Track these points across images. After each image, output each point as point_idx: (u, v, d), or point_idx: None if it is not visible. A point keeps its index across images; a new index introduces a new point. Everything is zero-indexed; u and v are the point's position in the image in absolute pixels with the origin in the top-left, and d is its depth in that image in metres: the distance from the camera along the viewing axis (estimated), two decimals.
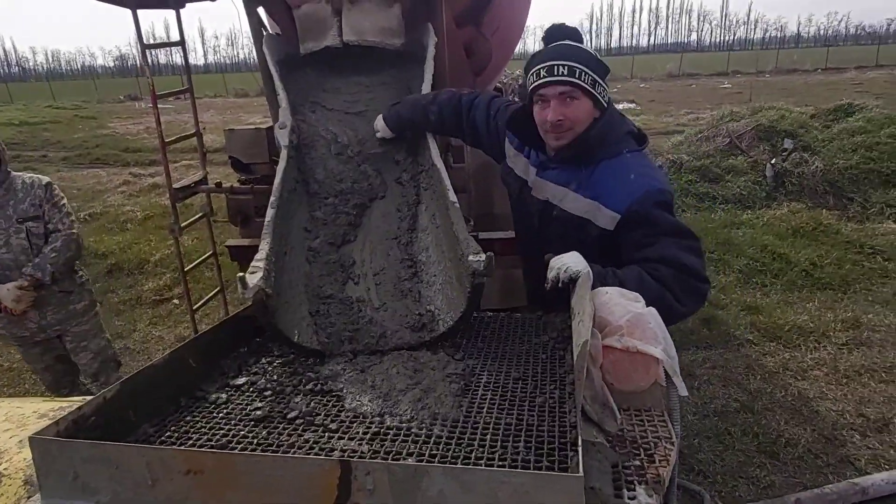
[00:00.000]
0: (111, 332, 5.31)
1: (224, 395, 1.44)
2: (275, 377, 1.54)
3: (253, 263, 1.57)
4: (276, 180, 1.95)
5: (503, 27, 3.79)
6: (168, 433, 1.29)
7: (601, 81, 1.76)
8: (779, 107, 9.69)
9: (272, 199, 1.86)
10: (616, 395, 1.26)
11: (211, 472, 0.97)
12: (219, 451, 0.96)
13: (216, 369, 1.57)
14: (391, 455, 1.17)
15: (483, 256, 1.57)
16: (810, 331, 4.65)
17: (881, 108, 9.26)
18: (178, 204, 4.41)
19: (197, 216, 4.68)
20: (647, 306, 1.34)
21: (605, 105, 1.79)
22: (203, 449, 0.99)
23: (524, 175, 2.01)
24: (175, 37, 4.14)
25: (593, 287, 1.46)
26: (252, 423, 1.32)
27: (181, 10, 3.97)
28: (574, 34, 1.80)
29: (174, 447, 0.95)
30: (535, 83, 1.77)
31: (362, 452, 1.19)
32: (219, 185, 4.31)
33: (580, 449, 0.93)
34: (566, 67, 1.71)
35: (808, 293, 5.35)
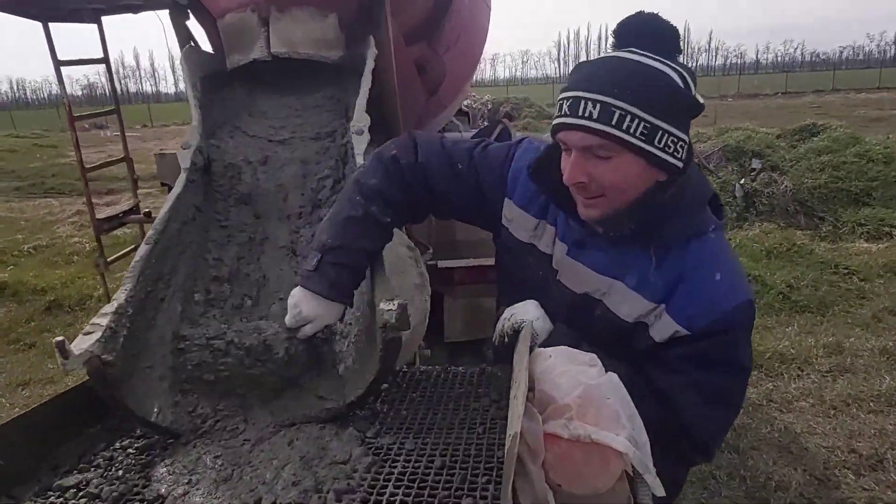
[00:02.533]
0: (41, 376, 4.83)
1: None
2: (120, 472, 1.15)
3: (93, 321, 1.19)
4: (163, 211, 1.58)
5: (459, 45, 3.52)
6: None
7: (670, 129, 1.08)
8: (745, 127, 9.66)
9: (150, 233, 1.49)
10: (565, 500, 0.90)
11: None
12: None
13: (44, 462, 1.18)
14: None
15: (395, 304, 1.21)
16: (792, 357, 4.42)
17: (845, 127, 9.30)
18: (105, 236, 4.01)
19: (127, 249, 4.26)
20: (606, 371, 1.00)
21: (681, 164, 1.12)
22: None
23: (546, 249, 1.34)
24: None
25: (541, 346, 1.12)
26: None
27: (103, 24, 3.61)
28: (652, 36, 1.09)
29: None
30: (554, 120, 1.16)
31: None
32: (148, 214, 3.91)
33: None
34: (599, 106, 1.05)
35: (786, 317, 5.15)
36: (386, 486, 1.09)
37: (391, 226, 1.35)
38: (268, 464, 1.14)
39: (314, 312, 1.28)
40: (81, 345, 1.10)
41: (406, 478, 1.11)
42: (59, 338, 1.05)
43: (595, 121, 1.06)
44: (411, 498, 1.05)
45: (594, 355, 1.03)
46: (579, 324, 1.27)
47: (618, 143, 1.07)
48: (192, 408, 1.30)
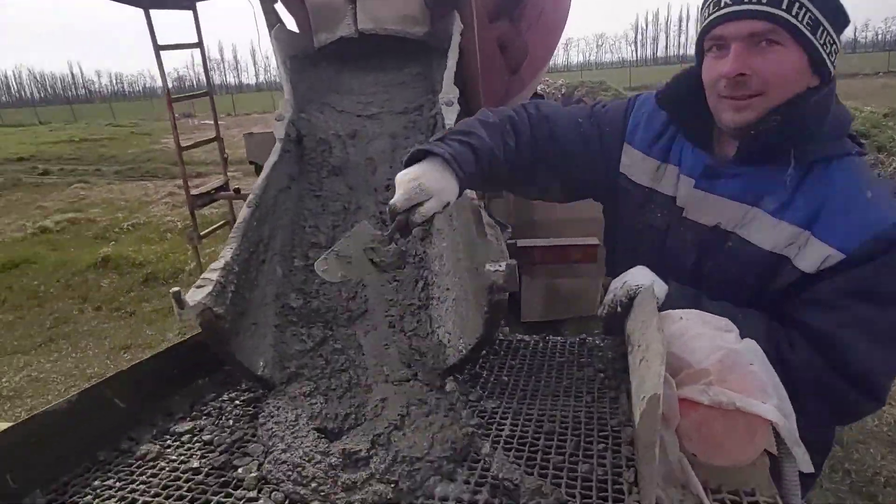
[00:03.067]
0: (140, 342, 5.15)
1: (156, 448, 1.08)
2: (230, 422, 1.17)
3: (203, 276, 1.21)
4: (261, 177, 1.61)
5: (541, 23, 3.41)
6: None
7: (830, 31, 1.06)
8: (847, 106, 8.90)
9: (251, 196, 1.51)
10: (701, 472, 0.83)
11: None
12: None
13: (158, 410, 1.22)
14: None
15: (503, 265, 1.16)
16: None
17: None
18: (199, 211, 4.19)
19: (218, 224, 4.44)
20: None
21: (831, 71, 1.10)
22: None
23: (669, 191, 1.28)
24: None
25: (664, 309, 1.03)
26: (181, 491, 0.95)
27: (197, 9, 3.75)
28: None
29: None
30: (710, 16, 1.09)
31: None
32: (237, 191, 4.05)
33: None
34: None
35: None
36: (495, 448, 1.04)
37: (510, 152, 1.30)
38: (373, 417, 1.12)
39: (437, 185, 1.10)
40: (195, 297, 1.12)
41: (515, 441, 1.06)
42: (176, 288, 1.07)
43: (765, 4, 1.02)
44: (523, 460, 1.00)
45: (728, 320, 0.94)
46: (709, 266, 1.20)
47: (786, 29, 1.03)
48: (297, 365, 1.30)
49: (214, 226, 4.43)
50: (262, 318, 1.34)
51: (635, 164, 1.33)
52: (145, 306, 5.97)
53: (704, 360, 0.83)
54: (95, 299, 6.17)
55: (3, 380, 4.50)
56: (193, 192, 3.94)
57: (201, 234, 4.14)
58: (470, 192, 1.44)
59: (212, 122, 4.28)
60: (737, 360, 0.83)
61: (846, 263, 1.03)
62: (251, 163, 4.20)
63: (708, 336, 0.86)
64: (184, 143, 3.98)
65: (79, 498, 0.95)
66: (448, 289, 1.47)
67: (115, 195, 11.81)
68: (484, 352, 1.40)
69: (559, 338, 1.55)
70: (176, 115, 4.02)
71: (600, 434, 1.07)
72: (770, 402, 0.81)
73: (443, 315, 1.42)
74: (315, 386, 1.25)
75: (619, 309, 1.22)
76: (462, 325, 1.34)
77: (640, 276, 1.22)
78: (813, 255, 1.06)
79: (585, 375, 1.31)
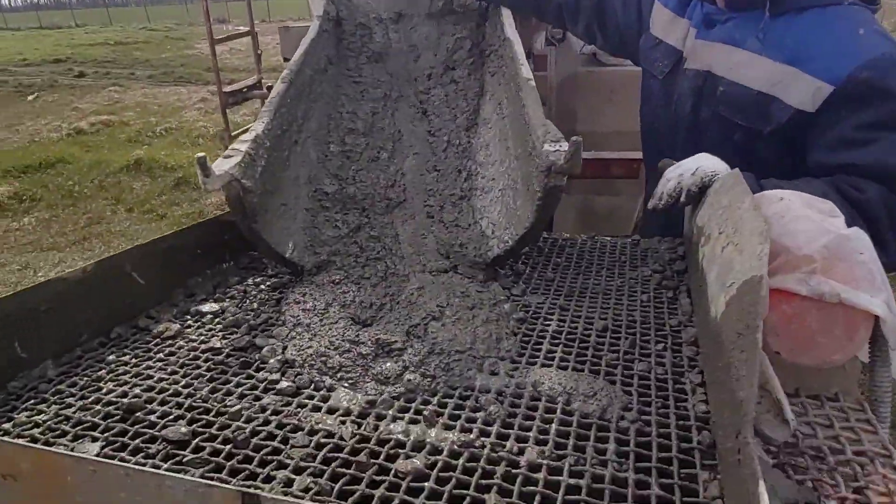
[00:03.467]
0: None
1: (175, 327, 1.01)
2: (255, 305, 1.09)
3: (232, 146, 1.09)
4: (297, 53, 1.46)
5: None
6: (75, 378, 0.87)
7: None
8: None
9: (285, 72, 1.38)
10: (781, 372, 0.71)
11: (29, 480, 0.53)
12: (41, 448, 0.52)
13: (179, 288, 1.14)
14: (385, 450, 0.70)
15: (564, 145, 1.02)
16: None
17: None
18: (231, 118, 4.06)
19: (249, 125, 4.31)
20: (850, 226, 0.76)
21: None
22: (16, 441, 0.55)
23: (679, 45, 1.37)
24: None
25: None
26: (199, 371, 0.89)
27: None
28: None
29: None
30: None
31: (341, 439, 0.72)
32: (270, 89, 3.88)
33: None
34: None
35: None
36: (541, 343, 0.95)
37: None
38: (408, 306, 1.03)
39: None
40: (222, 166, 1.01)
41: (563, 336, 0.96)
42: (201, 154, 0.96)
43: None
44: (572, 356, 0.90)
45: (832, 204, 0.79)
46: (702, 106, 1.29)
47: None
48: (329, 251, 1.21)
49: (246, 127, 4.31)
50: (292, 199, 1.24)
51: (655, 16, 1.45)
52: (176, 210, 6.00)
53: (807, 246, 0.69)
54: (128, 201, 6.22)
55: (39, 274, 4.61)
56: (226, 89, 3.79)
57: (232, 134, 4.03)
58: (525, 72, 1.28)
59: (246, 28, 4.06)
60: (845, 247, 0.69)
61: (841, 95, 1.06)
62: (286, 59, 4.01)
63: (813, 219, 0.72)
64: (217, 38, 3.80)
65: (92, 372, 0.89)
66: (493, 179, 1.34)
67: (149, 99, 11.72)
68: (527, 248, 1.28)
69: (608, 238, 1.42)
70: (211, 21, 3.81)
71: (658, 333, 0.95)
72: (880, 297, 0.68)
73: (487, 206, 1.30)
74: (347, 274, 1.16)
75: (682, 199, 1.08)
76: (509, 215, 1.22)
77: (711, 163, 1.07)
78: (801, 89, 1.10)
79: (640, 275, 1.19)
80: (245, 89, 4.01)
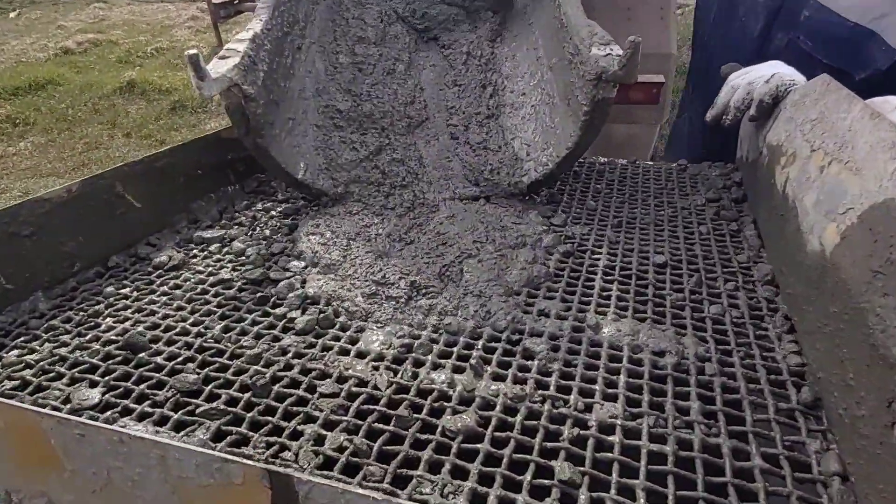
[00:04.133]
0: None
1: (179, 256, 0.90)
2: (266, 233, 0.98)
3: (227, 46, 0.94)
4: None
5: None
6: (69, 313, 0.77)
7: None
8: None
9: None
10: None
11: (7, 437, 0.43)
12: (17, 406, 0.42)
13: (181, 213, 1.02)
14: (428, 403, 0.60)
15: (617, 48, 0.87)
16: None
17: None
18: (222, 24, 3.79)
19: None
20: None
21: None
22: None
23: None
24: None
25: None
26: (209, 306, 0.78)
27: None
28: None
29: None
30: None
31: (375, 388, 0.62)
32: None
33: None
34: None
35: None
36: (592, 279, 0.84)
37: None
38: (436, 236, 0.92)
39: None
40: (219, 68, 0.86)
41: (616, 272, 0.85)
42: (192, 50, 0.81)
43: None
44: (631, 295, 0.79)
45: None
46: (778, 40, 1.07)
47: None
48: (347, 177, 1.08)
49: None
50: (300, 114, 1.10)
51: None
52: (175, 136, 5.78)
53: None
54: (124, 125, 5.99)
55: None
56: (216, 0, 3.52)
57: None
58: None
59: None
60: None
61: None
62: None
63: None
64: None
65: (88, 306, 0.78)
66: (524, 94, 1.19)
67: (136, 17, 11.15)
68: (566, 172, 1.15)
69: (651, 162, 1.29)
70: None
71: (725, 270, 0.84)
72: None
73: (518, 124, 1.15)
74: (367, 204, 1.04)
75: (752, 112, 0.94)
76: (546, 134, 1.08)
77: (789, 71, 0.93)
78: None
79: (692, 205, 1.07)
80: (236, 1, 3.74)
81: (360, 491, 0.35)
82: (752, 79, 0.96)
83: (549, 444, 0.54)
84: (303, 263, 0.87)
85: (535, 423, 0.57)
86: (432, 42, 1.34)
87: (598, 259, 0.89)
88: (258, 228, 1.00)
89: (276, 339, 0.72)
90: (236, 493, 0.36)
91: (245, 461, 0.36)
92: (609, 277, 0.84)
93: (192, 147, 1.04)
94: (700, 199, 1.09)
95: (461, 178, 1.10)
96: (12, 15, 10.93)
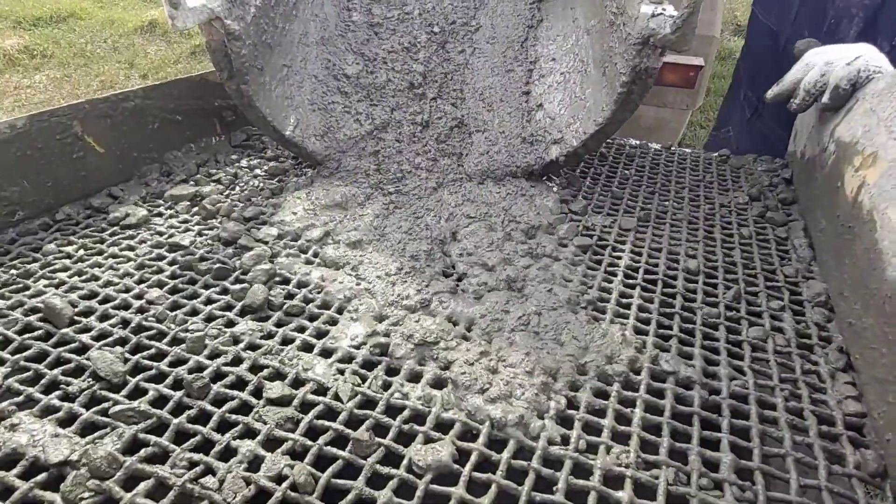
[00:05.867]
0: None
1: (141, 213, 0.78)
2: (245, 193, 0.86)
3: None
4: None
5: None
6: None
7: None
8: None
9: None
10: None
11: None
12: None
13: (155, 165, 0.91)
14: (396, 424, 0.49)
15: (670, 8, 0.73)
16: None
17: None
18: None
19: None
20: None
21: None
22: None
23: None
24: None
25: None
26: (162, 276, 0.67)
27: None
28: None
29: None
30: None
31: (335, 398, 0.51)
32: None
33: None
34: None
35: None
36: (611, 282, 0.71)
37: None
38: (449, 209, 0.80)
39: None
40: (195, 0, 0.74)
41: (639, 277, 0.72)
42: None
43: None
44: (655, 305, 0.66)
45: None
46: (879, 41, 0.88)
47: None
48: (342, 142, 0.95)
49: None
50: (298, 62, 0.96)
51: None
52: None
53: None
54: (142, 66, 5.87)
55: None
56: None
57: None
58: None
59: None
60: None
61: None
62: None
63: None
64: None
65: (21, 264, 0.67)
66: (554, 60, 1.04)
67: None
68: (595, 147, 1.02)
69: (688, 150, 1.15)
70: None
71: (769, 286, 0.71)
72: None
73: (543, 93, 1.01)
74: (359, 179, 0.91)
75: (826, 98, 0.79)
76: (574, 107, 0.94)
77: (876, 57, 0.78)
78: None
79: (733, 202, 0.93)
80: None
81: None
82: (831, 58, 0.81)
83: (539, 497, 0.43)
84: (276, 232, 0.76)
85: (524, 463, 0.46)
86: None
87: (620, 258, 0.76)
88: (238, 188, 0.88)
89: (231, 323, 0.60)
90: None
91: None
92: (630, 281, 0.71)
93: (171, 87, 0.92)
94: (742, 196, 0.95)
95: (474, 155, 0.97)
96: None
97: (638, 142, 1.17)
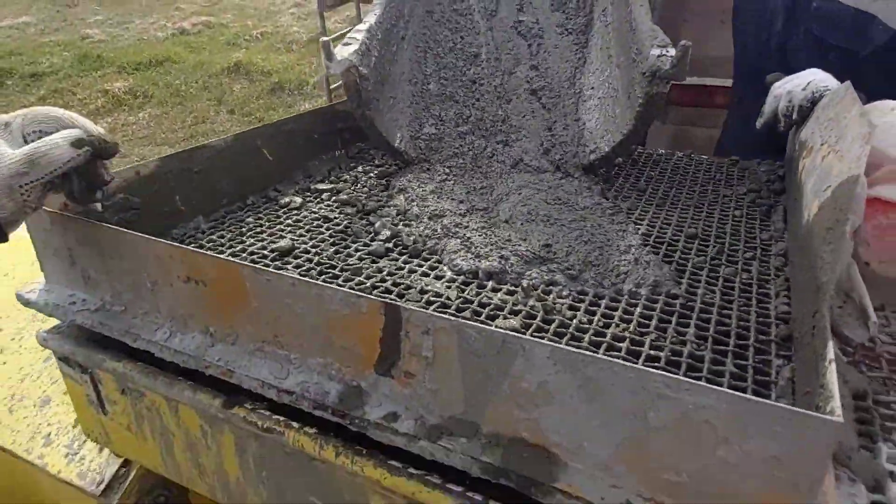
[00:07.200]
0: None
1: (299, 199, 1.14)
2: (366, 189, 1.21)
3: (349, 35, 1.17)
4: None
5: None
6: (221, 232, 1.02)
7: None
8: None
9: None
10: (873, 282, 0.74)
11: (215, 284, 0.66)
12: (226, 259, 0.65)
13: (299, 169, 1.27)
14: (486, 311, 0.80)
15: (672, 51, 1.03)
16: None
17: None
18: (333, 18, 4.11)
19: (346, 30, 4.37)
20: None
21: None
22: (207, 252, 0.68)
23: None
24: None
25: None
26: (322, 236, 1.01)
27: None
28: None
29: (173, 244, 0.66)
30: None
31: (448, 299, 0.83)
32: None
33: (831, 365, 0.47)
34: None
35: None
36: (628, 243, 1.00)
37: None
38: (505, 200, 1.11)
39: None
40: (343, 52, 1.10)
41: (652, 239, 1.01)
42: (325, 38, 1.04)
43: None
44: (659, 256, 0.95)
45: None
46: (796, 33, 1.21)
47: None
48: (433, 141, 1.29)
49: (340, 32, 4.37)
50: (399, 93, 1.32)
51: None
52: (272, 114, 6.25)
53: None
54: (229, 102, 6.52)
55: None
56: None
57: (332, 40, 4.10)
58: None
59: None
60: None
61: None
62: None
63: None
64: None
65: (235, 229, 1.03)
66: (593, 87, 1.36)
67: (245, 2, 11.90)
68: (620, 159, 1.31)
69: (705, 156, 1.43)
70: None
71: (747, 244, 0.99)
72: None
73: (585, 112, 1.33)
74: (447, 170, 1.24)
75: (795, 116, 1.07)
76: (606, 123, 1.25)
77: (823, 77, 1.05)
78: None
79: (735, 193, 1.21)
80: None
81: (441, 314, 0.55)
82: (791, 87, 1.09)
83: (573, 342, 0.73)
84: (394, 211, 1.09)
85: (565, 330, 0.76)
86: (519, 32, 1.51)
87: (638, 229, 1.05)
88: (359, 185, 1.23)
89: (375, 261, 0.94)
90: (363, 319, 0.58)
91: (369, 297, 0.58)
92: (644, 244, 1.00)
93: (311, 116, 1.29)
94: (743, 188, 1.22)
95: (534, 151, 1.29)
96: None
97: (664, 151, 1.46)
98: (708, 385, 0.45)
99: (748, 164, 1.35)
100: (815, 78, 1.05)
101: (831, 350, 0.48)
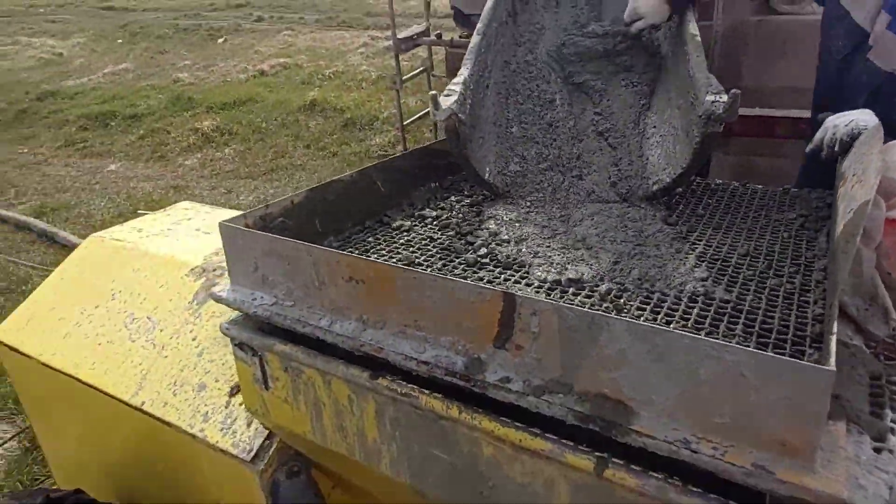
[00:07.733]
0: None
1: (408, 223, 1.39)
2: (461, 215, 1.44)
3: (448, 87, 1.42)
4: (487, 7, 1.74)
5: None
6: (350, 249, 1.28)
7: None
8: None
9: (479, 26, 1.67)
10: (894, 288, 0.91)
11: (371, 282, 0.90)
12: (381, 263, 0.88)
13: (404, 198, 1.52)
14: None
15: (725, 97, 1.22)
16: None
17: None
18: (402, 56, 4.47)
19: (417, 70, 4.71)
20: None
21: None
22: (368, 258, 0.92)
23: (866, 25, 1.36)
24: None
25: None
26: (430, 252, 1.25)
27: None
28: None
29: (340, 251, 0.90)
30: None
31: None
32: (439, 36, 4.22)
33: (833, 335, 0.65)
34: None
35: None
36: (687, 258, 1.19)
37: None
38: (580, 224, 1.32)
39: (646, 8, 1.48)
40: (446, 102, 1.35)
41: (708, 257, 1.19)
42: (433, 92, 1.30)
43: None
44: (714, 270, 1.13)
45: None
46: (877, 113, 1.24)
47: None
48: (518, 177, 1.52)
49: (413, 73, 4.72)
50: (487, 134, 1.56)
51: None
52: (345, 149, 6.69)
53: None
54: (305, 138, 7.02)
55: (241, 198, 5.47)
56: (400, 35, 4.18)
57: (403, 80, 4.45)
58: (692, 28, 1.46)
59: None
60: None
61: None
62: (453, 8, 4.33)
63: None
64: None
65: (360, 246, 1.29)
66: (655, 127, 1.55)
67: (317, 43, 12.68)
68: (681, 189, 1.50)
69: (760, 186, 1.59)
70: None
71: (793, 261, 1.16)
72: None
73: (648, 149, 1.52)
74: (532, 202, 1.46)
75: (836, 148, 1.23)
76: (667, 158, 1.44)
77: (866, 117, 1.22)
78: None
79: (785, 218, 1.37)
80: (415, 36, 4.38)
81: (546, 300, 0.76)
82: (837, 122, 1.26)
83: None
84: (486, 233, 1.32)
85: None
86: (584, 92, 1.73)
87: (696, 247, 1.24)
88: (454, 212, 1.47)
89: (475, 272, 1.16)
90: (486, 305, 0.80)
91: (492, 288, 0.80)
92: (700, 260, 1.18)
93: (414, 154, 1.54)
94: (793, 214, 1.38)
95: (603, 183, 1.50)
96: (220, 41, 12.93)
97: (721, 181, 1.63)
98: (741, 346, 0.64)
99: (800, 192, 1.50)
100: (859, 117, 1.21)
101: (835, 326, 0.66)
